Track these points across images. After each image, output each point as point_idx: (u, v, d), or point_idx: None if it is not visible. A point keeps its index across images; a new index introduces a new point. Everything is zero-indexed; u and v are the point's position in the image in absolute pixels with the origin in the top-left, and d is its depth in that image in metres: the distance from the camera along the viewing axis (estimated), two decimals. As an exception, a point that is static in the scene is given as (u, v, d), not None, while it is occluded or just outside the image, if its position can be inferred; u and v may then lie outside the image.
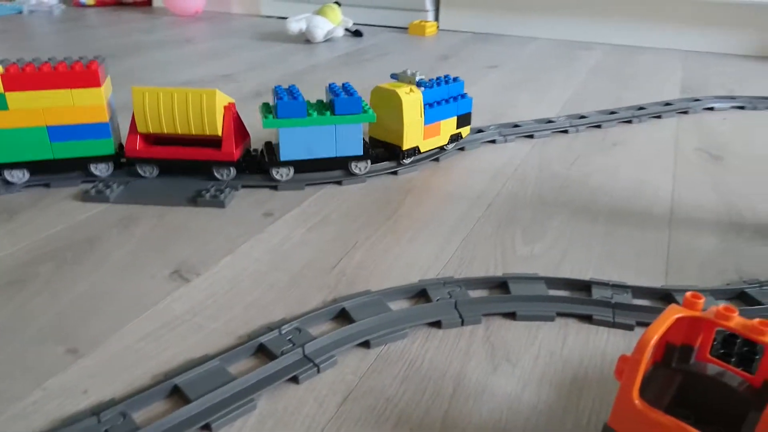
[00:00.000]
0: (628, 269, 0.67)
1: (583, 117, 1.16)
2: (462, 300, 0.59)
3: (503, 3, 2.05)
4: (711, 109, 1.25)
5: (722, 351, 0.43)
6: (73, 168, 0.85)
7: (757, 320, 0.36)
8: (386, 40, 1.97)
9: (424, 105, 0.90)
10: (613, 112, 1.19)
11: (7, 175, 0.83)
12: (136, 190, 0.84)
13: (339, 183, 0.88)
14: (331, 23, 1.91)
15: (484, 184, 0.89)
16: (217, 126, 0.82)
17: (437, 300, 0.59)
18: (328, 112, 0.84)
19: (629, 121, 1.16)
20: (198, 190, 0.82)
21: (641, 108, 1.22)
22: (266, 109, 0.86)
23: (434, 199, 0.84)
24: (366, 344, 0.54)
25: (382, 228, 0.75)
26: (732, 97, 1.30)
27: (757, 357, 0.43)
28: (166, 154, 0.85)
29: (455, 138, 0.99)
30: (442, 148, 0.99)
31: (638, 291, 0.61)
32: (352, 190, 0.86)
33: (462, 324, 0.57)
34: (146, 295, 0.61)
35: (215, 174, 0.86)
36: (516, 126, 1.10)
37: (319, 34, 1.87)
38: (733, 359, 0.43)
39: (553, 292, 0.62)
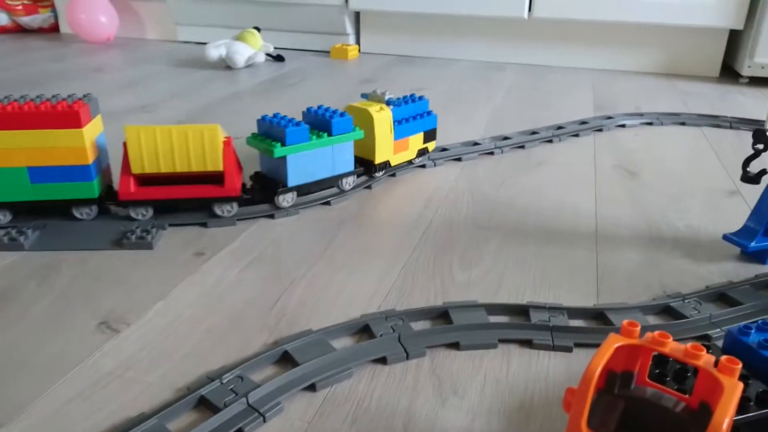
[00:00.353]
0: (562, 289, 0.69)
1: (506, 138, 1.20)
2: (405, 333, 0.59)
3: (423, 26, 2.09)
4: (623, 126, 1.33)
5: (657, 371, 0.45)
6: (56, 211, 0.82)
7: (690, 344, 0.38)
8: (309, 65, 1.97)
9: (394, 122, 0.96)
10: (534, 132, 1.23)
11: None
12: (54, 234, 0.79)
13: (271, 217, 0.86)
14: (251, 48, 1.89)
15: (417, 210, 0.90)
16: (219, 162, 0.82)
17: (381, 335, 0.59)
18: (325, 134, 0.88)
19: (550, 141, 1.21)
20: (123, 232, 0.79)
21: (560, 127, 1.27)
22: (261, 140, 0.86)
23: (369, 228, 0.84)
24: (312, 387, 0.53)
25: (319, 262, 0.74)
26: (640, 114, 1.39)
27: (689, 374, 0.45)
28: (165, 194, 0.82)
29: (422, 152, 1.05)
30: (410, 162, 1.05)
31: (573, 312, 0.63)
32: (285, 223, 0.85)
33: (407, 358, 0.57)
34: (72, 352, 0.57)
35: (216, 211, 0.84)
36: (444, 150, 1.12)
37: (240, 59, 1.84)
38: (667, 378, 0.46)
39: (493, 319, 0.63)
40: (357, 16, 2.16)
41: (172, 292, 0.67)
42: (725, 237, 0.77)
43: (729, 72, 1.88)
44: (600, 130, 1.29)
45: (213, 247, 0.78)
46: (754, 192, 0.97)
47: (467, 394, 0.53)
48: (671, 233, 0.83)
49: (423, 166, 1.07)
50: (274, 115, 0.87)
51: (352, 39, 2.17)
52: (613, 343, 0.38)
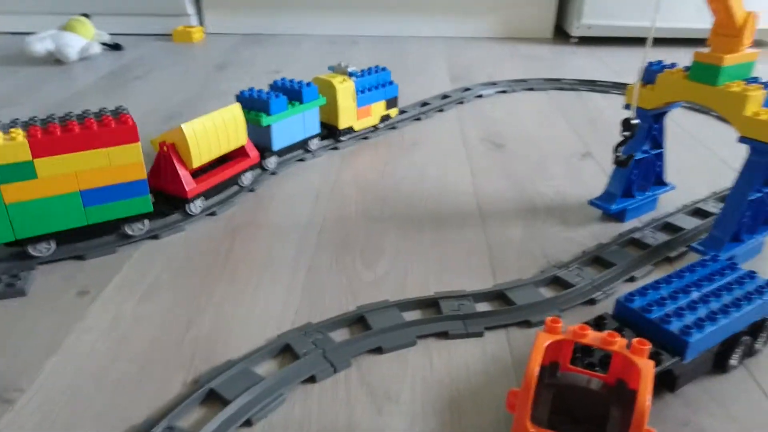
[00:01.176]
0: (462, 274, 0.73)
1: (377, 120, 1.21)
2: (328, 347, 0.59)
3: (270, 1, 2.03)
4: (480, 96, 1.40)
5: (587, 361, 0.50)
6: (106, 231, 0.79)
7: (606, 332, 0.43)
8: (151, 52, 1.83)
9: (357, 92, 1.10)
10: (402, 111, 1.26)
11: (31, 249, 0.74)
12: None
13: (155, 237, 0.81)
14: (83, 38, 1.71)
15: (307, 208, 0.89)
16: (245, 135, 0.92)
17: (304, 353, 0.59)
18: (297, 102, 1.02)
19: (418, 119, 1.25)
20: (-15, 281, 0.70)
21: (425, 104, 1.31)
22: (246, 112, 0.94)
23: (263, 235, 0.82)
24: (248, 423, 0.52)
25: (221, 281, 0.72)
26: (494, 83, 1.47)
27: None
28: (214, 181, 0.88)
29: (385, 118, 1.19)
30: (375, 128, 1.17)
31: (478, 296, 0.68)
32: (172, 242, 0.80)
33: (335, 372, 0.58)
34: (-39, 436, 0.51)
35: (241, 182, 0.94)
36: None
37: (72, 52, 1.67)
38: (594, 363, 0.50)
39: (407, 315, 0.65)
40: (197, -6, 2.03)
41: (64, 344, 0.61)
42: (591, 202, 0.85)
43: (561, 33, 2.05)
44: (461, 103, 1.35)
45: (97, 282, 0.72)
46: (604, 153, 1.09)
47: (401, 397, 0.55)
48: (543, 202, 0.91)
49: (302, 159, 1.05)
50: (251, 90, 0.99)
51: (194, 20, 2.05)
52: (543, 342, 0.42)
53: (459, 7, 1.99)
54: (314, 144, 1.07)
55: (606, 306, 0.67)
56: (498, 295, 0.69)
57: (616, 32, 1.88)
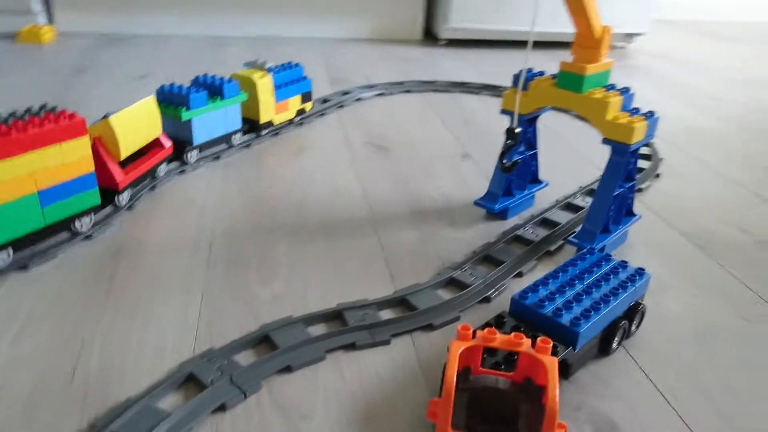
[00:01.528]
0: (361, 282, 0.74)
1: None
2: (235, 372, 0.57)
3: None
4: (359, 99, 1.42)
5: (493, 361, 0.52)
6: (58, 230, 0.77)
7: (513, 334, 0.45)
8: (-6, 54, 1.64)
9: (275, 87, 1.14)
10: (283, 117, 1.24)
11: None
12: None
13: (23, 268, 0.73)
14: None
15: (193, 224, 0.85)
16: (160, 125, 0.94)
17: (210, 381, 0.56)
18: (218, 97, 1.05)
19: (301, 124, 1.24)
20: None
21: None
22: (165, 107, 0.99)
23: (148, 257, 0.77)
24: (156, 464, 0.49)
25: (106, 311, 0.66)
26: (371, 86, 1.50)
27: (515, 357, 0.53)
28: (140, 171, 0.90)
29: (301, 112, 1.23)
30: (290, 121, 1.21)
31: (380, 304, 0.69)
32: (44, 273, 0.73)
33: (245, 397, 0.56)
34: None
35: (161, 170, 0.96)
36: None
37: None
38: (500, 362, 0.53)
39: (312, 330, 0.65)
40: (44, -9, 1.86)
41: (-76, 400, 0.54)
42: (476, 203, 0.90)
43: (429, 35, 2.13)
44: (342, 107, 1.36)
45: (-42, 324, 0.63)
46: (481, 154, 1.14)
47: (315, 414, 0.55)
48: (431, 204, 0.94)
49: (182, 171, 1.00)
50: (171, 85, 1.00)
51: (43, 18, 1.87)
52: (457, 350, 0.44)
53: (332, 9, 2.00)
54: (236, 138, 1.11)
55: (500, 302, 0.71)
56: (400, 302, 0.70)
57: (481, 35, 1.98)
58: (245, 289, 0.72)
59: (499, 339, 0.45)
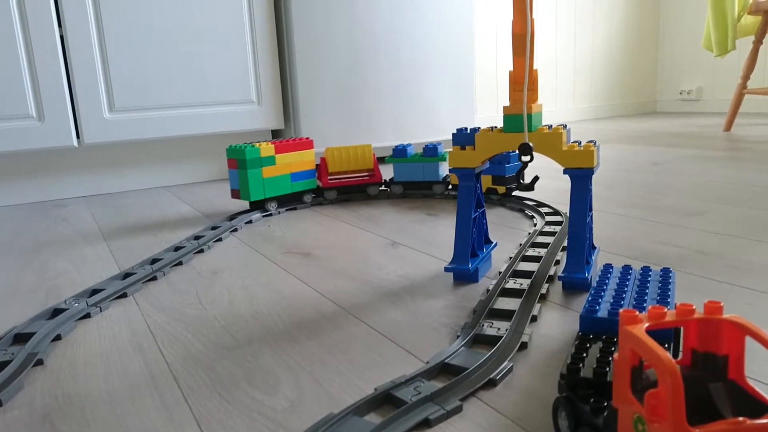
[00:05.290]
0: (383, 365, 0.62)
1: (157, 260, 1.02)
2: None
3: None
4: (250, 222, 1.31)
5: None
6: (296, 199, 1.47)
7: (679, 304, 0.39)
8: None
9: None
10: (179, 247, 1.09)
11: (269, 206, 1.39)
12: None
13: None
14: None
15: (137, 362, 0.66)
16: (371, 161, 1.50)
17: None
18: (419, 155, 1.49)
19: (201, 251, 1.10)
20: None
21: (199, 236, 1.17)
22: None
23: (100, 412, 0.57)
24: None
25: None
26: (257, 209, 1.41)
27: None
28: (344, 183, 1.49)
29: None
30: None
31: (425, 374, 0.58)
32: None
33: None
34: None
35: (369, 192, 1.52)
36: (97, 291, 0.88)
37: None
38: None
39: (369, 419, 0.51)
40: None
41: None
42: (447, 269, 0.84)
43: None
44: (235, 230, 1.25)
45: None
46: (408, 240, 1.11)
47: None
48: (396, 286, 0.86)
49: (87, 315, 0.80)
50: None
51: None
52: (641, 331, 0.36)
53: (183, 154, 1.90)
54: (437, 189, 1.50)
55: (533, 349, 0.64)
56: (442, 369, 0.60)
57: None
58: (251, 405, 0.56)
59: (669, 314, 0.39)
